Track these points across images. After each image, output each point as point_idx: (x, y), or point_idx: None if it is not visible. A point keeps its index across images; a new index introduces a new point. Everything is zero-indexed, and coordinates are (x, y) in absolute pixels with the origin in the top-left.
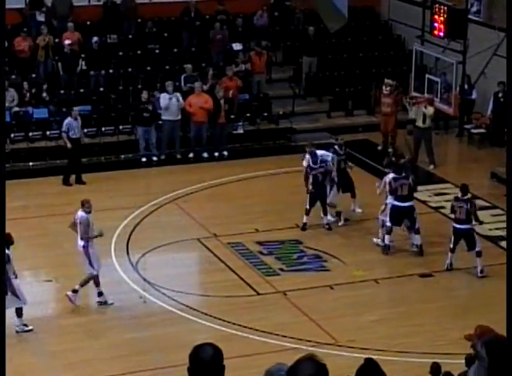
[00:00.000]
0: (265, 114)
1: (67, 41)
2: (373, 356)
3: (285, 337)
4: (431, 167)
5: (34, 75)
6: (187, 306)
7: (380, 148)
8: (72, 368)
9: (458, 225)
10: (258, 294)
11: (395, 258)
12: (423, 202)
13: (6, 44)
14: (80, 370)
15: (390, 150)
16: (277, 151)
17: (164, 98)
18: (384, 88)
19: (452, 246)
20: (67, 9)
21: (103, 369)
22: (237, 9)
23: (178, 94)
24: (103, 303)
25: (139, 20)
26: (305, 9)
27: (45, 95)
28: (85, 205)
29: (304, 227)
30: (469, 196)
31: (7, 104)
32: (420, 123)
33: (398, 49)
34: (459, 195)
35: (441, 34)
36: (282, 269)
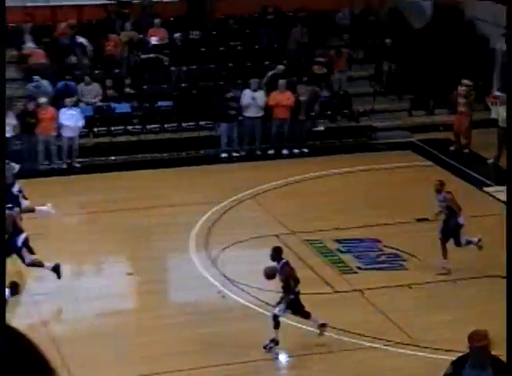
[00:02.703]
0: (346, 112)
1: (154, 39)
2: (447, 357)
3: (360, 335)
4: None
5: (117, 70)
6: (265, 302)
7: (452, 148)
8: (148, 362)
9: None
10: (335, 291)
11: (476, 258)
12: (504, 202)
13: (85, 40)
14: (155, 364)
15: (466, 150)
16: (357, 149)
17: (246, 95)
18: (459, 87)
19: None
20: (153, 4)
21: (179, 363)
22: (319, 6)
23: (261, 91)
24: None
25: (222, 17)
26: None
27: (128, 90)
28: None
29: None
30: None
31: (91, 99)
32: (502, 122)
33: (482, 48)
34: None
35: None
36: (359, 268)
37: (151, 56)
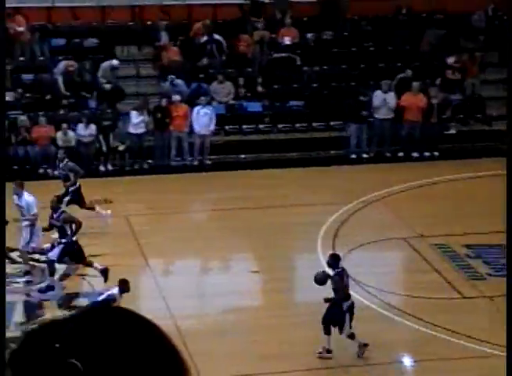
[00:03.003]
0: (478, 116)
1: (287, 38)
2: None
3: (487, 342)
4: None
5: (249, 69)
6: (389, 305)
7: None
8: (264, 360)
9: None
10: (463, 297)
11: None
12: None
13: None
14: (271, 363)
15: None
16: (490, 153)
17: (377, 96)
18: None
19: None
20: (286, 4)
21: (293, 363)
22: (454, 8)
23: (392, 92)
24: None
25: (355, 17)
26: None
27: (259, 89)
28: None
29: None
30: None
31: (224, 98)
32: None
33: None
34: None
35: None
36: (489, 274)
37: (283, 55)
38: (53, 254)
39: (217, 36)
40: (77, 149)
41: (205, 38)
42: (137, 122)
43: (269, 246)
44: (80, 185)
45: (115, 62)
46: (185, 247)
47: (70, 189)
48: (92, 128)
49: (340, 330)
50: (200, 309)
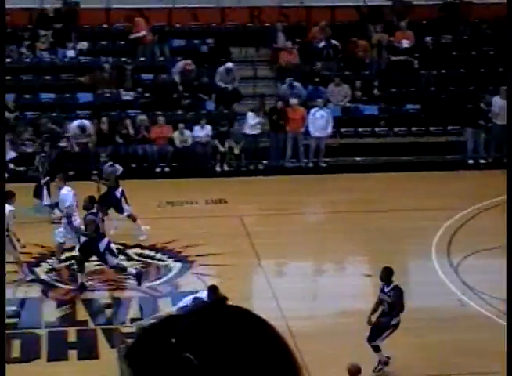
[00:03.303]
0: None
1: (405, 42)
2: None
3: None
4: None
5: (366, 72)
6: (504, 313)
7: None
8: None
9: None
10: None
11: None
12: None
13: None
14: (391, 366)
15: None
16: None
17: (496, 102)
18: None
19: None
20: (404, 8)
21: (416, 367)
22: None
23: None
24: None
25: (476, 20)
26: None
27: (376, 92)
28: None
29: None
30: None
31: (340, 100)
32: None
33: None
34: None
35: None
36: None
37: (401, 58)
38: (111, 260)
39: (334, 41)
40: (194, 149)
41: (323, 43)
42: (253, 123)
43: (383, 250)
44: (122, 190)
45: (229, 64)
46: (298, 248)
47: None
48: (208, 128)
49: (374, 339)
50: (312, 311)
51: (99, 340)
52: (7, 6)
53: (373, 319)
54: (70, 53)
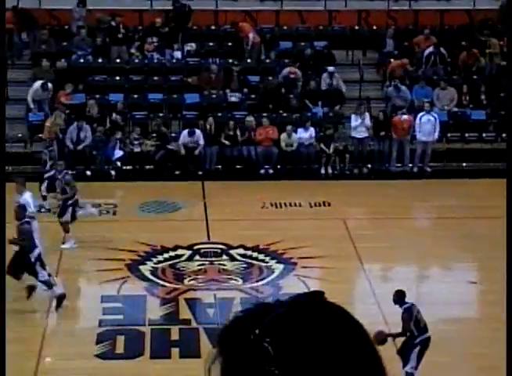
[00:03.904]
0: None
1: None
2: None
3: None
4: None
5: (474, 77)
6: None
7: None
8: (482, 373)
9: None
10: None
11: None
12: None
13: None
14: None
15: None
16: None
17: None
18: None
19: None
20: None
21: None
22: None
23: None
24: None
25: None
26: None
27: (483, 97)
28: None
29: None
30: None
31: (446, 105)
32: None
33: None
34: None
35: None
36: None
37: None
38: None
39: (442, 49)
40: (298, 151)
41: (430, 50)
42: (358, 126)
43: (489, 256)
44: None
45: (331, 68)
46: (402, 253)
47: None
48: (311, 130)
49: (405, 364)
50: None
51: (202, 339)
52: (119, 7)
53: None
54: (178, 54)
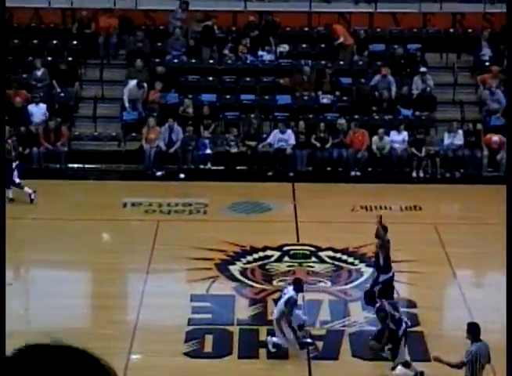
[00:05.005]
0: None
1: None
2: None
3: None
4: None
5: None
6: None
7: None
8: None
9: None
10: None
11: None
12: None
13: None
14: None
15: None
16: None
17: None
18: None
19: None
20: None
21: None
22: None
23: None
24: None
25: None
26: None
27: None
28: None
29: None
30: None
31: None
32: None
33: None
34: None
35: None
36: None
37: None
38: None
39: None
40: (389, 154)
41: None
42: (450, 145)
43: None
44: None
45: (423, 69)
46: (493, 259)
47: None
48: (404, 134)
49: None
50: (504, 325)
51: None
52: (212, 9)
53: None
54: (271, 56)
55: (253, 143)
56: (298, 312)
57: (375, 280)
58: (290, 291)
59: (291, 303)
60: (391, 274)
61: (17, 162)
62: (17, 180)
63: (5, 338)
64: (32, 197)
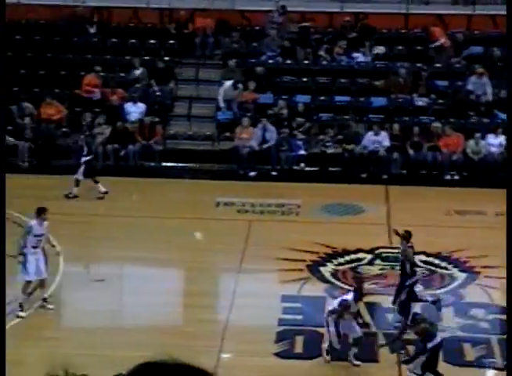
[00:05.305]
0: None
1: None
2: None
3: None
4: None
5: None
6: None
7: None
8: None
9: None
10: None
11: None
12: None
13: None
14: None
15: None
16: None
17: None
18: None
19: None
20: None
21: None
22: None
23: None
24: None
25: None
26: None
27: None
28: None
29: None
30: None
31: None
32: None
33: None
34: None
35: None
36: None
37: None
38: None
39: None
40: (486, 158)
41: None
42: None
43: None
44: None
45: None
46: None
47: None
48: (502, 137)
49: None
50: None
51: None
52: (309, 9)
53: None
54: (367, 57)
55: (351, 146)
56: (356, 326)
57: (401, 285)
58: (348, 295)
59: (343, 305)
60: (415, 279)
61: (87, 158)
62: (80, 177)
63: (5, 337)
64: (71, 195)
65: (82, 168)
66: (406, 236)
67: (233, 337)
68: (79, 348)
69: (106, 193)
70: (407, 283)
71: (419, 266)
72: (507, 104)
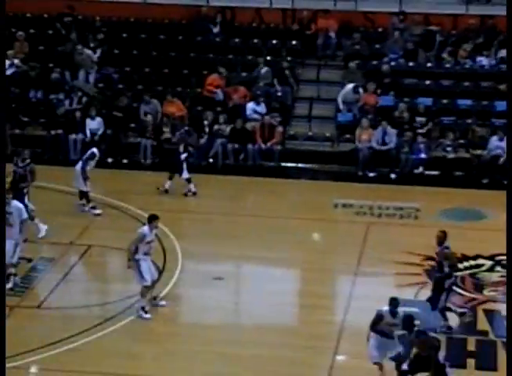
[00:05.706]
0: None
1: None
2: None
3: None
4: None
5: None
6: None
7: None
8: None
9: None
10: None
11: None
12: None
13: None
14: None
15: None
16: None
17: None
18: None
19: None
20: None
21: None
22: None
23: None
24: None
25: None
26: None
27: None
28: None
29: None
30: None
31: None
32: None
33: None
34: None
35: None
36: None
37: None
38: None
39: None
40: None
41: None
42: None
43: None
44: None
45: None
46: None
47: (25, 190)
48: None
49: None
50: None
51: (499, 352)
52: (432, 11)
53: None
54: (491, 61)
55: (478, 152)
56: (395, 344)
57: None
58: (384, 308)
59: (377, 316)
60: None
61: (186, 154)
62: (186, 175)
63: (5, 338)
64: (189, 192)
65: (185, 166)
66: (442, 237)
67: (349, 338)
68: (197, 344)
69: (166, 191)
70: (445, 286)
71: (458, 268)
72: (508, 108)
